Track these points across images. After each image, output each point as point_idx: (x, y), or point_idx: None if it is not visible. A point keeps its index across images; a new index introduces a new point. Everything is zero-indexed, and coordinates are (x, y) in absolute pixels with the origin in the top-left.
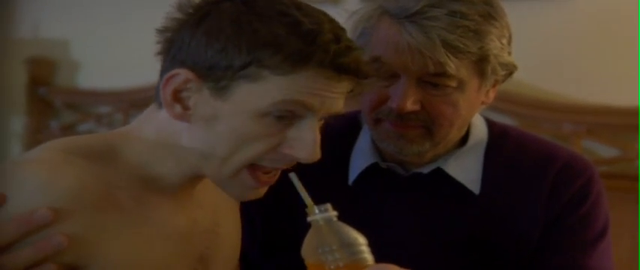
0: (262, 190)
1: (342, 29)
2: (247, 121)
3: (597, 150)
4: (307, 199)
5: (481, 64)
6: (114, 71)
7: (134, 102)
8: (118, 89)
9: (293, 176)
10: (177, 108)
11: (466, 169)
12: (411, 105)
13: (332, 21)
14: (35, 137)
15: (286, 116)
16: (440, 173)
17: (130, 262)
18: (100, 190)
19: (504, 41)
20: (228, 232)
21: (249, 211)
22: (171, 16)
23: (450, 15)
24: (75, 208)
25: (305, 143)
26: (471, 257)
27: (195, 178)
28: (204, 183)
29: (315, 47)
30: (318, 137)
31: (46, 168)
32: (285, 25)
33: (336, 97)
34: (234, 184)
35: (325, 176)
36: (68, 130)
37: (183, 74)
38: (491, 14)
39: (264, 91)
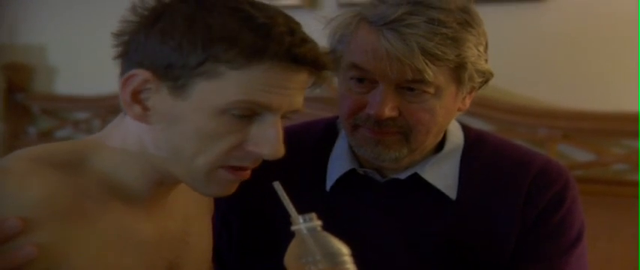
0: (235, 186)
1: (297, 23)
2: (208, 120)
3: (573, 154)
4: (291, 209)
5: (458, 71)
6: (91, 77)
7: (112, 108)
8: (95, 95)
9: (277, 185)
10: (137, 109)
11: (443, 175)
12: (389, 111)
13: (286, 16)
14: (12, 143)
15: (247, 114)
16: (417, 179)
17: None
18: (69, 199)
19: (481, 48)
20: (198, 241)
21: (226, 217)
22: (125, 19)
23: (429, 22)
24: (43, 217)
25: (268, 140)
26: (448, 263)
27: (165, 186)
28: (176, 192)
29: (270, 39)
30: (281, 134)
31: (14, 178)
32: (239, 20)
33: (295, 93)
34: (211, 182)
35: (303, 182)
36: (46, 136)
37: (141, 75)
38: (468, 22)
39: (221, 88)
